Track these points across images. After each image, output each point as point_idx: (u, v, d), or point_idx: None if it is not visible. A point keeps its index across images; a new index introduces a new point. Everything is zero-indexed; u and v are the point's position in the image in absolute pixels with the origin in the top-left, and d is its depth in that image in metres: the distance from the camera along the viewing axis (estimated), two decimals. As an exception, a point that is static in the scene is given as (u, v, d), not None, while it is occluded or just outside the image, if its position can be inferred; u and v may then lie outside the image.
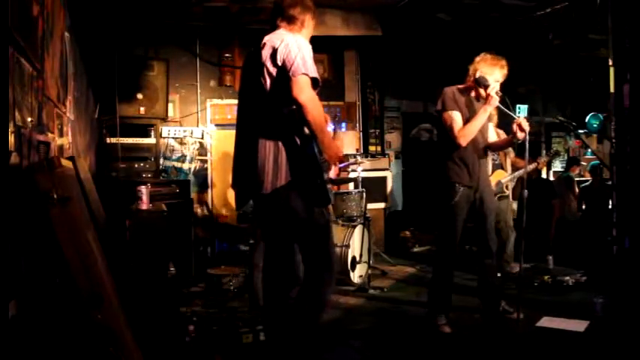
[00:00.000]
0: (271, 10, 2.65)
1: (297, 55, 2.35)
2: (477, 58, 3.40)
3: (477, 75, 3.32)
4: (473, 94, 3.41)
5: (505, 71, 3.36)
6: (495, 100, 3.21)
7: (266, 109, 2.45)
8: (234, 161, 2.63)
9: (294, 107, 2.37)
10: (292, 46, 2.38)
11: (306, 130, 2.45)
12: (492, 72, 3.32)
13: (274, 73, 2.41)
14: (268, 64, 2.42)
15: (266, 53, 2.44)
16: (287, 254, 2.65)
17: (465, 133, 3.25)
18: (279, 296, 2.62)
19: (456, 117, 3.27)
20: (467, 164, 3.32)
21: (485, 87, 3.24)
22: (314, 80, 2.38)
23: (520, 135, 3.23)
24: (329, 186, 2.53)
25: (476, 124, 3.27)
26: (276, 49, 2.40)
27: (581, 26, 6.19)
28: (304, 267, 2.57)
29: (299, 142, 2.44)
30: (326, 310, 2.65)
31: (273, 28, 2.59)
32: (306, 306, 2.53)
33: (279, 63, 2.38)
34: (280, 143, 2.42)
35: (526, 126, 3.20)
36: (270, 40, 2.47)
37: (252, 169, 2.45)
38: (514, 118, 3.26)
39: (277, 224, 2.58)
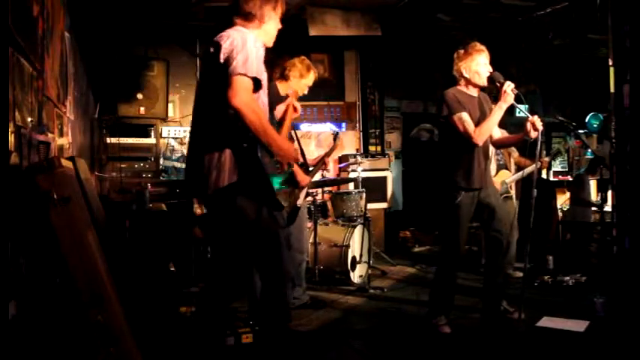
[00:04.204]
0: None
1: (239, 52, 2.20)
2: (455, 60, 3.38)
3: (465, 73, 3.32)
4: (473, 91, 3.41)
5: (486, 52, 3.34)
6: (511, 97, 3.19)
7: (212, 109, 2.34)
8: (189, 163, 2.52)
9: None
10: (236, 42, 2.23)
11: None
12: (476, 61, 3.31)
13: (218, 72, 2.26)
14: (216, 61, 2.29)
15: (213, 50, 2.31)
16: (231, 259, 2.51)
17: (482, 131, 3.24)
18: (218, 302, 2.52)
19: (466, 117, 3.26)
20: (475, 166, 3.31)
21: (501, 84, 3.23)
22: (255, 81, 2.24)
23: (533, 134, 3.21)
24: (285, 191, 2.44)
25: (491, 122, 3.26)
26: (221, 47, 2.26)
27: (581, 26, 6.19)
28: (259, 272, 2.48)
29: (244, 144, 2.31)
30: (288, 312, 2.59)
31: (233, 22, 2.45)
32: (268, 312, 2.48)
33: (222, 61, 2.24)
34: (224, 144, 2.30)
35: (539, 125, 3.18)
36: (220, 36, 2.34)
37: (198, 169, 2.34)
38: (527, 117, 3.24)
39: (221, 226, 2.47)
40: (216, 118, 2.32)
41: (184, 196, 2.63)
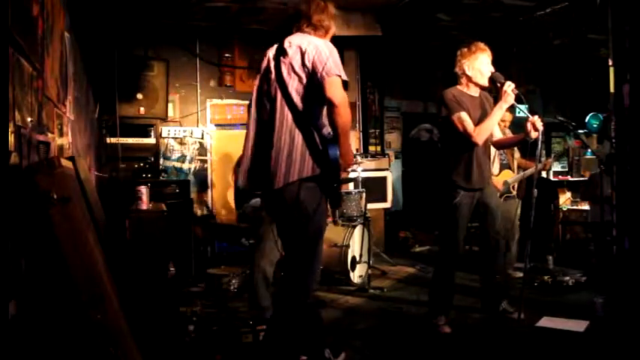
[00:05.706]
0: (293, 14, 2.70)
1: (328, 57, 2.42)
2: (458, 57, 3.39)
3: (468, 71, 3.32)
4: (474, 91, 3.40)
5: (488, 52, 3.35)
6: (511, 97, 3.20)
7: (286, 108, 2.45)
8: (252, 160, 2.57)
9: (323, 107, 2.42)
10: (322, 48, 2.46)
11: (325, 132, 2.45)
12: (480, 59, 3.31)
13: (301, 74, 2.43)
14: (295, 63, 2.45)
15: (293, 53, 2.47)
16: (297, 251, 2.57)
17: (481, 131, 3.24)
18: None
19: (465, 117, 3.26)
20: (474, 166, 3.31)
21: (501, 84, 3.23)
22: (344, 83, 2.43)
23: (534, 134, 3.22)
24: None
25: (491, 122, 3.27)
26: (305, 51, 2.44)
27: (581, 26, 6.19)
28: (291, 260, 2.54)
29: (319, 143, 2.43)
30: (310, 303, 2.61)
31: (298, 30, 2.63)
32: (294, 300, 2.51)
33: (309, 64, 2.41)
34: (297, 140, 2.41)
35: (540, 125, 3.19)
36: (297, 41, 2.51)
37: (266, 164, 2.44)
38: (527, 117, 3.24)
39: (288, 220, 2.53)
40: (290, 116, 2.44)
41: (240, 201, 2.74)
